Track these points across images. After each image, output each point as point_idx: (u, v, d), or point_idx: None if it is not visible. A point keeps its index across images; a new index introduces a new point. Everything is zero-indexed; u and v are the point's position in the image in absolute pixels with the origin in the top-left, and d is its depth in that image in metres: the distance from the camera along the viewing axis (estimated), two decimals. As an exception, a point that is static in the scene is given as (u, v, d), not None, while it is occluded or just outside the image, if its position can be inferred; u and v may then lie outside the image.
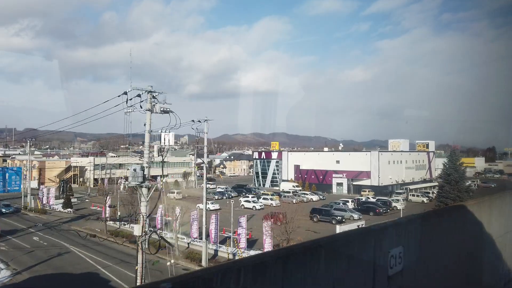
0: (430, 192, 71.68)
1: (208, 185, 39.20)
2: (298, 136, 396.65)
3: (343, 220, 45.85)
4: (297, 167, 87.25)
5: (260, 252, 26.68)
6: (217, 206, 53.04)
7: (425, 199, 66.59)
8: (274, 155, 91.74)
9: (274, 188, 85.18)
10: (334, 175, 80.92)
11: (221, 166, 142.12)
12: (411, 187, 76.11)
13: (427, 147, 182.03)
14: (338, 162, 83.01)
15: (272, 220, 33.03)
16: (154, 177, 22.16)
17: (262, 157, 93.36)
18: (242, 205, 57.69)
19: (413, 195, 69.79)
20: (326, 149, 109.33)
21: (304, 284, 3.46)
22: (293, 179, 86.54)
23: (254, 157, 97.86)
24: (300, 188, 77.65)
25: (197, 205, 41.94)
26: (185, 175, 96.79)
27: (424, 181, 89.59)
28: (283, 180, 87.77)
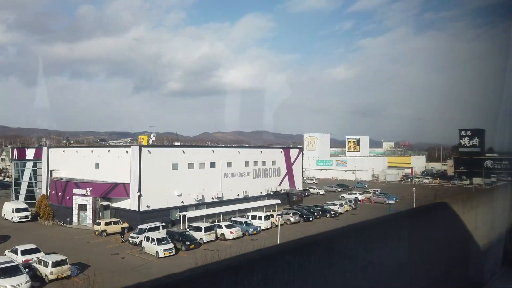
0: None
1: None
2: (280, 134, 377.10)
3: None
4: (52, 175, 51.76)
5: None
6: None
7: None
8: (30, 154, 56.50)
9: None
10: (74, 191, 45.20)
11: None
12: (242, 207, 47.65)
13: (358, 143, 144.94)
14: (97, 166, 47.42)
15: None
16: None
17: (15, 157, 58.27)
18: None
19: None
20: (177, 143, 73.43)
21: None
22: (46, 193, 51.46)
23: (13, 157, 62.35)
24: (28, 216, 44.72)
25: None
26: None
27: (276, 194, 55.16)
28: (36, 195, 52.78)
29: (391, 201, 62.20)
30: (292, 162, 62.13)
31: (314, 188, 77.90)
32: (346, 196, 63.96)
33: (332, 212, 51.05)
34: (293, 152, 63.02)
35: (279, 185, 59.08)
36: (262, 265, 3.12)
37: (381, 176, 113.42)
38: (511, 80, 10.43)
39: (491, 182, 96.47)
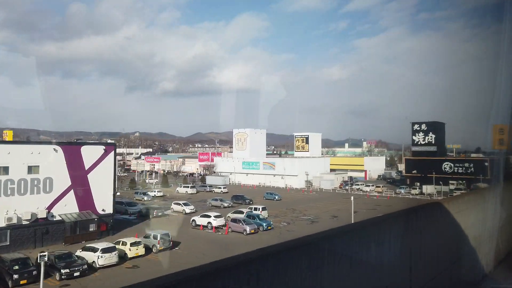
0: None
1: None
2: (274, 135, 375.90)
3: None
4: None
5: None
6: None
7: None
8: None
9: None
10: None
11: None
12: None
13: (307, 141, 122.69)
14: None
15: None
16: None
17: None
18: None
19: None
20: None
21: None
22: None
23: None
24: None
25: None
26: None
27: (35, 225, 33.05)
28: None
29: (256, 228, 40.01)
30: (88, 168, 38.43)
31: (180, 205, 54.19)
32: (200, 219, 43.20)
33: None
34: (90, 151, 39.26)
35: (49, 207, 35.48)
36: (250, 268, 3.07)
37: (316, 182, 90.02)
38: (503, 80, 10.83)
39: (450, 190, 73.14)
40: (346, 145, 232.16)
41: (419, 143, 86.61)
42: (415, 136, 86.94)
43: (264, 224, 41.29)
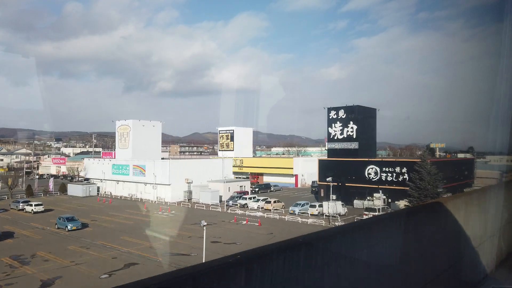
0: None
1: None
2: (273, 135, 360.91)
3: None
4: None
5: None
6: None
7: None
8: None
9: None
10: None
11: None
12: None
13: (231, 138, 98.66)
14: None
15: None
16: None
17: None
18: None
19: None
20: None
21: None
22: None
23: None
24: None
25: None
26: None
27: None
28: None
29: None
30: None
31: None
32: None
33: None
34: None
35: None
36: (247, 267, 3.01)
37: (196, 194, 64.30)
38: (503, 80, 10.76)
39: (367, 208, 48.32)
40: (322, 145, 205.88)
41: (335, 137, 60.65)
42: (331, 127, 60.97)
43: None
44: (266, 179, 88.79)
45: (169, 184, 63.79)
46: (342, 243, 4.14)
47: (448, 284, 7.13)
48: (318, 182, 62.09)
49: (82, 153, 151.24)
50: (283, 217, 48.73)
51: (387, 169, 54.16)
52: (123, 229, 43.03)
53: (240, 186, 67.70)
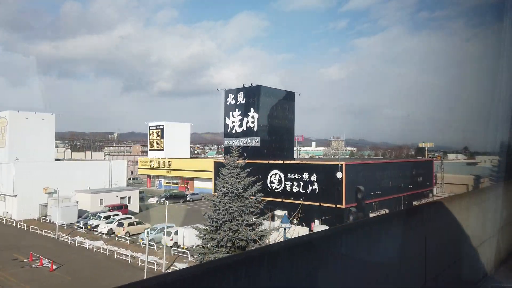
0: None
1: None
2: None
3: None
4: None
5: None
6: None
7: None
8: None
9: None
10: None
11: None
12: None
13: (162, 135, 78.48)
14: None
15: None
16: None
17: None
18: None
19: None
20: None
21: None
22: None
23: None
24: None
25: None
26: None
27: None
28: None
29: None
30: None
31: None
32: None
33: None
34: None
35: None
36: (248, 267, 2.94)
37: (51, 209, 47.52)
38: (503, 80, 10.79)
39: None
40: (314, 143, 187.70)
41: (234, 130, 43.84)
42: (229, 117, 44.15)
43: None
44: (197, 185, 72.51)
45: (15, 196, 46.90)
46: (342, 243, 3.98)
47: (448, 283, 7.05)
48: (213, 193, 45.40)
49: None
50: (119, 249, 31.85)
51: (292, 176, 37.29)
52: None
53: (122, 198, 50.70)
